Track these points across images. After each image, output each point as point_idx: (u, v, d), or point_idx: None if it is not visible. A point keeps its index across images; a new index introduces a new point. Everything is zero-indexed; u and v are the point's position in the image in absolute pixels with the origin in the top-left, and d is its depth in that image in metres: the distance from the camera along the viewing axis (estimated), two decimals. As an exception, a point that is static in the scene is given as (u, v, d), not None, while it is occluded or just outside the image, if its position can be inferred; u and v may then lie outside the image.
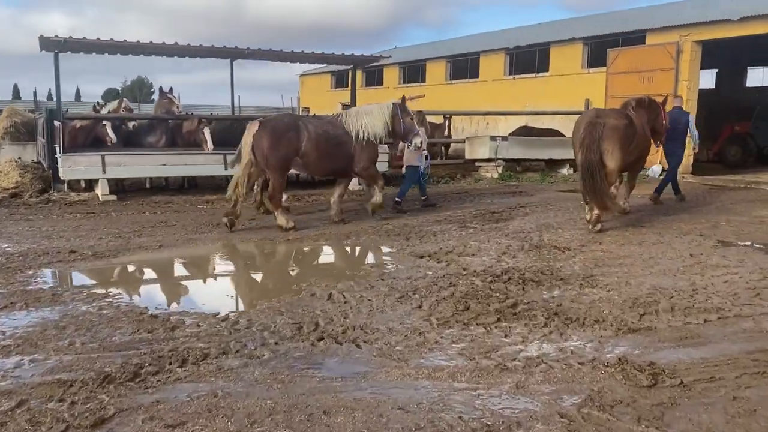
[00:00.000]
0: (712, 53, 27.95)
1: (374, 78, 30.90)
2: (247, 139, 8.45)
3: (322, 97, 35.46)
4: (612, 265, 6.63)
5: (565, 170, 16.64)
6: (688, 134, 11.43)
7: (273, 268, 7.31)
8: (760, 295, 5.51)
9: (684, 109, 11.92)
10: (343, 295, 5.47)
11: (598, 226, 8.50)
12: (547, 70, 20.04)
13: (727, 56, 27.44)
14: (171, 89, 12.98)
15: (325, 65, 36.36)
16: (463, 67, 24.15)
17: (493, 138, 15.50)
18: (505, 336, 4.54)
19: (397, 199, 10.29)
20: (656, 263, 6.72)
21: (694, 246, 7.60)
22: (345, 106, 31.91)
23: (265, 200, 9.06)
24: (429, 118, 17.69)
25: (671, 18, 16.86)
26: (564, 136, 17.06)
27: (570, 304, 5.25)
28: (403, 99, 9.31)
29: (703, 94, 28.33)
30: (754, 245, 7.64)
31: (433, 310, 5.09)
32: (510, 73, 21.72)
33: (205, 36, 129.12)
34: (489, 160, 15.50)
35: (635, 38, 17.22)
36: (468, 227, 9.02)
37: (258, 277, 6.95)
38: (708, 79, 30.18)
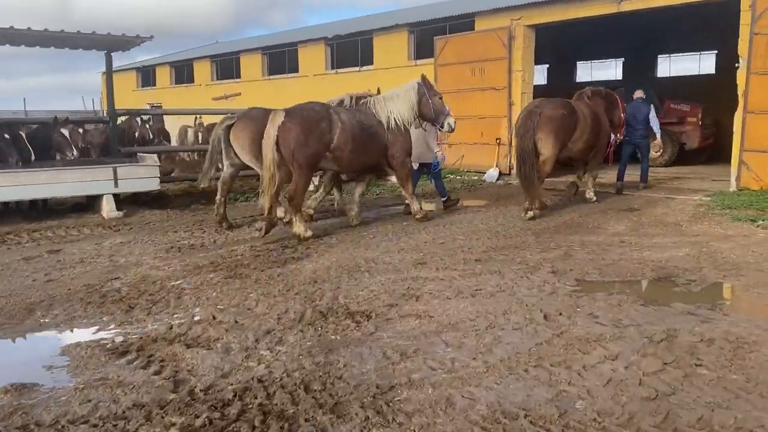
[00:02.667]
0: (543, 48, 28.24)
1: (184, 74, 27.09)
2: (270, 132, 7.30)
3: (128, 97, 30.90)
4: (428, 354, 4.11)
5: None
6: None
7: None
8: (668, 418, 3.21)
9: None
10: None
11: (530, 213, 8.86)
12: (372, 63, 17.81)
13: (558, 51, 27.52)
14: None
15: (130, 62, 31.87)
16: (282, 60, 21.33)
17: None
18: None
19: (443, 198, 9.90)
20: (496, 342, 4.30)
21: (547, 295, 5.36)
22: (154, 107, 27.92)
23: (282, 203, 8.05)
24: (208, 119, 14.69)
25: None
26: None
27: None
28: (423, 77, 8.60)
29: (537, 89, 28.53)
30: (626, 290, 5.56)
31: None
32: (332, 67, 19.26)
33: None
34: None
35: (464, 24, 15.44)
36: (239, 276, 6.22)
37: None
38: (540, 75, 30.25)
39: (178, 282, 6.10)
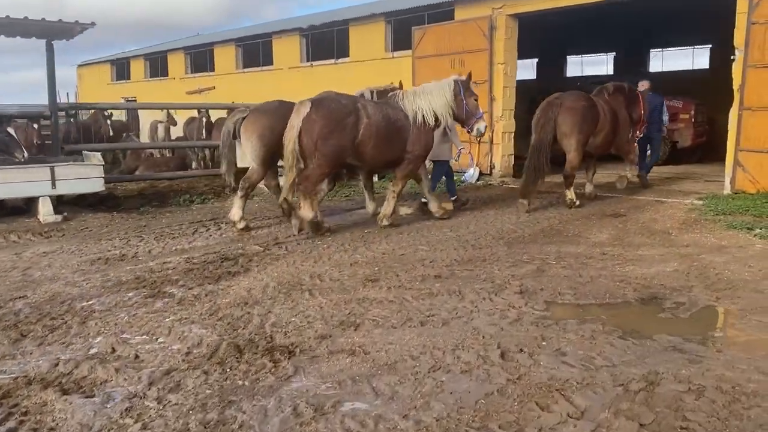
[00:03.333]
0: (533, 42, 27.47)
1: (158, 67, 26.15)
2: (294, 123, 7.09)
3: (103, 90, 30.01)
4: (350, 409, 3.31)
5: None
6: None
7: None
8: None
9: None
10: None
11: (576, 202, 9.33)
12: (348, 55, 16.96)
13: (547, 45, 26.76)
14: None
15: (105, 55, 30.90)
16: (256, 52, 20.45)
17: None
18: None
19: (452, 198, 9.67)
20: (437, 391, 3.50)
21: (509, 324, 4.57)
22: (129, 101, 26.97)
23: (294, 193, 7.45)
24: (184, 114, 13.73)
25: (482, -12, 14.38)
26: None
27: None
28: (469, 76, 8.26)
29: (525, 84, 27.80)
30: (602, 316, 4.78)
31: None
32: (307, 60, 18.40)
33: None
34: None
35: (443, 13, 14.61)
36: (162, 294, 5.43)
37: None
38: (529, 70, 29.50)
39: (90, 302, 5.29)
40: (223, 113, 15.39)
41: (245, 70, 20.79)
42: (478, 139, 13.10)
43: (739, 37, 9.69)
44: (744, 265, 6.10)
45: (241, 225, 7.91)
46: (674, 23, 21.78)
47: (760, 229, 7.58)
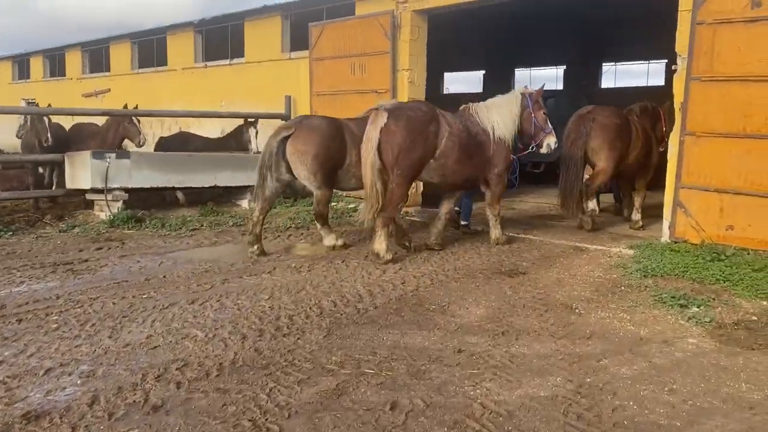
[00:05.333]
0: (479, 53, 25.74)
1: (56, 66, 23.42)
2: (371, 135, 6.63)
3: (3, 91, 27.11)
4: None
5: (246, 202, 11.27)
6: None
7: None
8: None
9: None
10: None
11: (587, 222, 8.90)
12: (243, 56, 14.60)
13: (494, 56, 25.09)
14: None
15: (7, 52, 28.05)
16: (151, 51, 17.98)
17: (98, 155, 9.49)
18: None
19: (463, 222, 8.91)
20: None
21: None
22: (29, 102, 24.10)
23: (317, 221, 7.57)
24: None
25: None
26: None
27: None
28: (541, 88, 7.89)
29: (473, 98, 26.08)
30: None
31: None
32: (202, 59, 15.99)
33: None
34: (99, 190, 9.52)
35: (344, 8, 12.36)
36: None
37: None
38: (477, 83, 27.87)
39: None
40: (84, 120, 12.86)
41: (140, 70, 18.25)
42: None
43: (681, 42, 7.62)
44: (663, 387, 3.90)
45: (339, 242, 7.66)
46: (628, 36, 20.09)
47: (699, 306, 5.43)
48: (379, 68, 11.10)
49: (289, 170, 7.34)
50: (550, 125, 7.81)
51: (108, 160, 9.45)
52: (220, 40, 15.14)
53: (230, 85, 14.85)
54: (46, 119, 10.66)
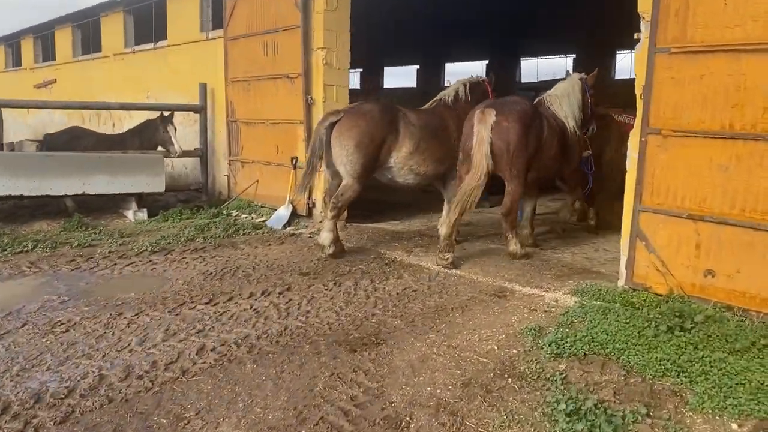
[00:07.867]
0: (414, 48, 24.39)
1: (13, 55, 21.81)
2: (482, 135, 6.24)
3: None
4: None
5: (132, 213, 9.27)
6: None
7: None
8: None
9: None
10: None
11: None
12: (166, 38, 12.56)
13: (427, 51, 24.88)
14: None
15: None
16: (89, 36, 16.11)
17: None
18: None
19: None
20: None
21: None
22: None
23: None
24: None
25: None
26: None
27: None
28: (595, 73, 7.60)
29: (406, 92, 24.36)
30: None
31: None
32: (132, 44, 14.01)
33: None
34: None
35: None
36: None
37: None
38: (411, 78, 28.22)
39: None
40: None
41: (80, 58, 16.39)
42: (293, 162, 9.23)
43: (644, 1, 5.27)
44: None
45: (330, 250, 6.98)
46: (542, 32, 19.19)
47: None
48: (291, 47, 8.94)
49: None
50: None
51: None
52: (148, 22, 13.13)
53: (153, 73, 12.86)
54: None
